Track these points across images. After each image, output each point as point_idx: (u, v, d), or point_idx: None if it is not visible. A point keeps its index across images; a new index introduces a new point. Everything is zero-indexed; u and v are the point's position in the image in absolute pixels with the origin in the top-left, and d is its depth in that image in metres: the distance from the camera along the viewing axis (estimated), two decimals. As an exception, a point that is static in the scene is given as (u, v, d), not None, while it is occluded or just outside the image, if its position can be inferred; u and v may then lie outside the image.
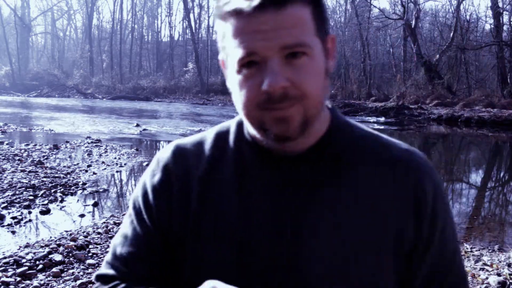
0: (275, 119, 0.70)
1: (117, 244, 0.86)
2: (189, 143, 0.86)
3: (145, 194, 0.84)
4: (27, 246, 3.65)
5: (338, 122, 0.82)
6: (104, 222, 4.42)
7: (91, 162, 7.88)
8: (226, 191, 0.80)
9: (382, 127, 17.07)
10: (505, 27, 27.52)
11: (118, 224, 4.29)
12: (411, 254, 0.78)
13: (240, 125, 0.84)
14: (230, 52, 0.72)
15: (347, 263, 0.75)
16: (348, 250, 0.75)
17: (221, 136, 0.85)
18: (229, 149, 0.83)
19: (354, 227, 0.76)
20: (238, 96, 0.73)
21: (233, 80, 0.73)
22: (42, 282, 3.00)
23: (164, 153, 0.86)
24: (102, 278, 0.84)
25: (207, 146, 0.85)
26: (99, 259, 3.43)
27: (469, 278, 3.29)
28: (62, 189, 5.72)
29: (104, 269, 0.85)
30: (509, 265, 3.57)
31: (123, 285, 0.81)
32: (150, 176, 0.85)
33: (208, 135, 0.87)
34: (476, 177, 8.56)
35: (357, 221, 0.76)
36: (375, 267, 0.76)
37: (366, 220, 0.76)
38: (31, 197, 5.23)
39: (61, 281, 3.03)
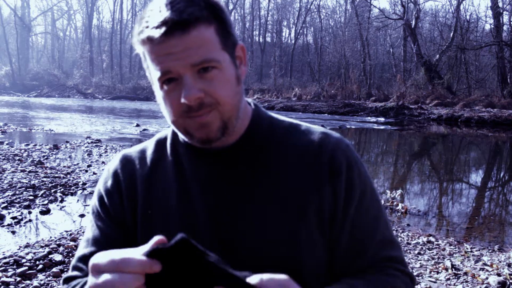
0: (197, 125, 0.82)
1: (80, 249, 0.95)
2: (133, 151, 0.99)
3: (101, 198, 0.96)
4: (27, 246, 3.65)
5: (259, 117, 0.94)
6: (104, 222, 4.42)
7: (91, 162, 7.88)
8: (167, 186, 0.92)
9: (382, 127, 17.07)
10: (505, 27, 27.54)
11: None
12: (332, 222, 0.87)
13: (175, 131, 0.96)
14: (152, 72, 0.83)
15: (273, 236, 0.85)
16: (273, 226, 0.85)
17: (160, 142, 0.98)
18: (167, 151, 0.96)
19: (277, 206, 0.86)
20: (164, 109, 0.85)
21: (158, 95, 0.85)
22: (42, 282, 3.00)
23: (113, 162, 0.99)
24: (67, 280, 0.94)
25: (149, 152, 0.98)
26: (99, 259, 3.42)
27: (469, 278, 3.29)
28: (62, 189, 5.72)
29: (70, 272, 0.95)
30: (509, 265, 3.57)
31: (83, 280, 0.89)
32: (103, 183, 0.97)
33: (150, 143, 1.00)
34: (476, 177, 8.56)
35: (279, 200, 0.86)
36: (299, 240, 0.85)
37: (288, 199, 0.87)
38: (31, 197, 5.23)
39: (61, 281, 3.03)
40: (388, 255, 0.90)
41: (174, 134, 0.96)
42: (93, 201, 0.98)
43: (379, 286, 0.84)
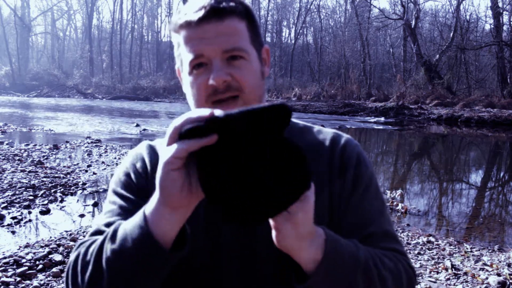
0: None
1: (100, 219, 0.91)
2: (157, 143, 1.03)
3: (127, 175, 0.96)
4: (27, 246, 3.65)
5: None
6: (104, 222, 4.41)
7: (91, 162, 7.88)
8: None
9: (382, 127, 17.06)
10: (505, 27, 27.56)
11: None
12: (339, 205, 0.93)
13: None
14: (183, 57, 0.89)
15: None
16: None
17: None
18: None
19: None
20: (190, 94, 0.89)
21: (186, 81, 0.90)
22: (42, 282, 3.00)
23: (139, 148, 1.02)
24: (83, 243, 0.85)
25: None
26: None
27: (469, 278, 3.29)
28: (62, 189, 5.72)
29: (87, 238, 0.87)
30: (509, 265, 3.57)
31: (101, 236, 0.81)
32: (131, 163, 0.98)
33: None
34: (476, 177, 8.56)
35: None
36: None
37: None
38: (31, 197, 5.23)
39: (61, 281, 3.03)
40: (391, 247, 0.91)
41: None
42: (116, 180, 0.97)
43: (381, 258, 0.84)
